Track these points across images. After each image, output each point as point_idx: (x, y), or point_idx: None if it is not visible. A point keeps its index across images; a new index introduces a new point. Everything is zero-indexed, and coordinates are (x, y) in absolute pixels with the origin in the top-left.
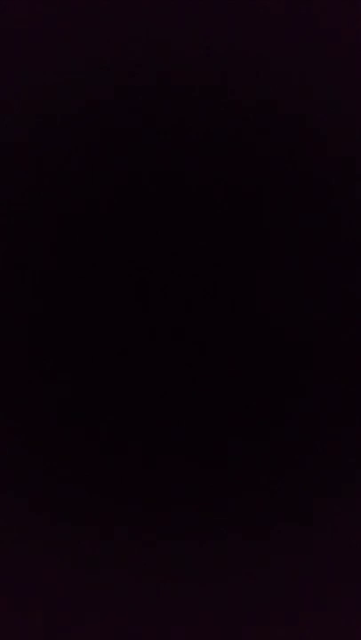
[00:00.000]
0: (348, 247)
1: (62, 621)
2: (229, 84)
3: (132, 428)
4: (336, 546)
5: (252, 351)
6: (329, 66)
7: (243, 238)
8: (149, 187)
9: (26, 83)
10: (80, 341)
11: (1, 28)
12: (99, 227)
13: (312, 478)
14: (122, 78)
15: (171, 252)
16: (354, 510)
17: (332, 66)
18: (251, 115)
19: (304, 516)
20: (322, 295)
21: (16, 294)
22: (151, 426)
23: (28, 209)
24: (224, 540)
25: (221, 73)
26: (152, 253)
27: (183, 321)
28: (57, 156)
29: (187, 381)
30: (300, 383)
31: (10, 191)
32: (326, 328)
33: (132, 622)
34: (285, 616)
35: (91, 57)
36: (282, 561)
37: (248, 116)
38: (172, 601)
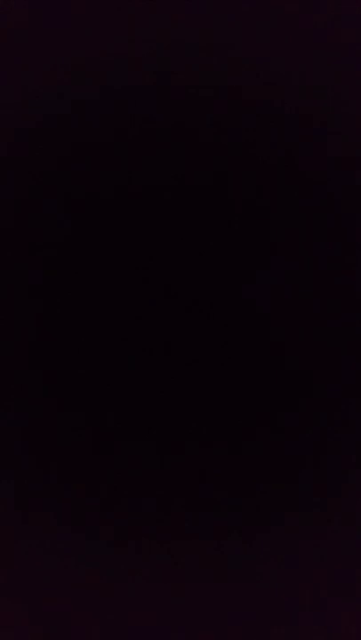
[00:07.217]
0: (348, 247)
1: (62, 621)
2: (229, 84)
3: (132, 429)
4: (336, 546)
5: (252, 351)
6: (329, 66)
7: (243, 238)
8: (149, 186)
9: (26, 83)
10: (80, 342)
11: (1, 28)
12: (98, 227)
13: (312, 479)
14: (121, 79)
15: (170, 251)
16: (354, 510)
17: (332, 66)
18: (251, 115)
19: (304, 517)
20: (322, 295)
21: (16, 294)
22: (151, 426)
23: (27, 209)
24: (224, 540)
25: (221, 73)
26: (152, 253)
27: (183, 320)
28: (57, 156)
29: (187, 380)
30: (301, 384)
31: (10, 191)
32: (326, 328)
33: (132, 622)
34: (285, 616)
35: (91, 57)
36: (282, 561)
37: (248, 116)
38: (172, 601)
